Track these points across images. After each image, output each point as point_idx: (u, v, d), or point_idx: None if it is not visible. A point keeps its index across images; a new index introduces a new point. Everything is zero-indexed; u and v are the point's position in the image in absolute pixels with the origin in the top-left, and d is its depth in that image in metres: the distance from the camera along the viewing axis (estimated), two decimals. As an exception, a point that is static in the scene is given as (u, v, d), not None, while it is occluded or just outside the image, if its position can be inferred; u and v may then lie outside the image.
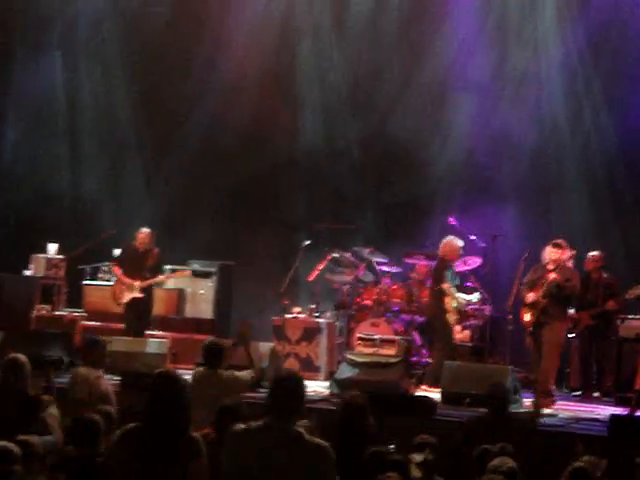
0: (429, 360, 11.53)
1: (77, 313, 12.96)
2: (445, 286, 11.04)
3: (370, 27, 14.04)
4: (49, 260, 13.22)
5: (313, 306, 12.37)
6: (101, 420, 5.83)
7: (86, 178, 14.73)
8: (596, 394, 11.31)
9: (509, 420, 7.44)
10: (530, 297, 10.32)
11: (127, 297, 11.76)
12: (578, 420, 9.42)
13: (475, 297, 11.52)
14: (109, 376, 8.82)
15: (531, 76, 13.40)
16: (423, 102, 13.62)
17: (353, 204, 13.81)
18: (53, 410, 6.71)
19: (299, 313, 12.35)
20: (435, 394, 10.00)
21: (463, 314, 11.51)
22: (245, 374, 8.00)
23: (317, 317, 12.28)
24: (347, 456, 4.45)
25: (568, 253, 10.59)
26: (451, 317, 11.00)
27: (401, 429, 7.55)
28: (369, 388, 8.69)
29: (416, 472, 5.62)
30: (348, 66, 14.25)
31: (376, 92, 14.04)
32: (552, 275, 10.28)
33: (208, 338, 8.81)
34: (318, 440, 4.47)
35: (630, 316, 11.06)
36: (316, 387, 10.68)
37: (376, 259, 12.53)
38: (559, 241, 10.51)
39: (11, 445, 5.00)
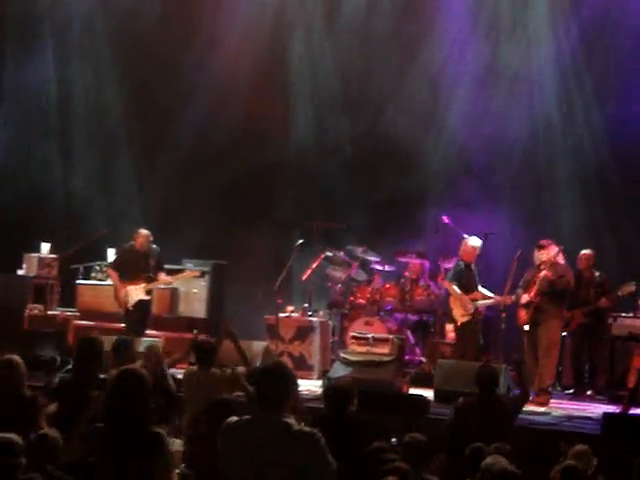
0: (422, 359, 11.52)
1: (70, 312, 12.94)
2: (446, 284, 11.06)
3: (362, 24, 14.01)
4: (42, 259, 13.17)
5: (306, 305, 12.37)
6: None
7: (78, 177, 14.69)
8: (589, 392, 11.31)
9: (498, 401, 7.46)
10: (524, 298, 10.41)
11: (133, 300, 11.40)
12: (571, 418, 9.46)
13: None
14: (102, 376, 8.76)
15: (523, 74, 13.40)
16: (415, 100, 13.61)
17: (345, 202, 13.76)
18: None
19: (292, 312, 12.34)
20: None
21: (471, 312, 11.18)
22: (238, 370, 7.95)
23: (310, 316, 12.28)
24: (327, 440, 4.47)
25: (554, 250, 10.58)
26: (457, 314, 10.95)
27: (394, 427, 7.58)
28: (362, 387, 8.68)
29: None
30: (340, 63, 14.23)
31: (368, 89, 14.02)
32: (543, 272, 10.33)
33: (199, 337, 8.78)
34: (307, 428, 4.49)
35: (622, 314, 11.12)
36: (309, 386, 10.68)
37: (369, 258, 12.53)
38: (542, 242, 10.57)
39: (15, 437, 5.03)
